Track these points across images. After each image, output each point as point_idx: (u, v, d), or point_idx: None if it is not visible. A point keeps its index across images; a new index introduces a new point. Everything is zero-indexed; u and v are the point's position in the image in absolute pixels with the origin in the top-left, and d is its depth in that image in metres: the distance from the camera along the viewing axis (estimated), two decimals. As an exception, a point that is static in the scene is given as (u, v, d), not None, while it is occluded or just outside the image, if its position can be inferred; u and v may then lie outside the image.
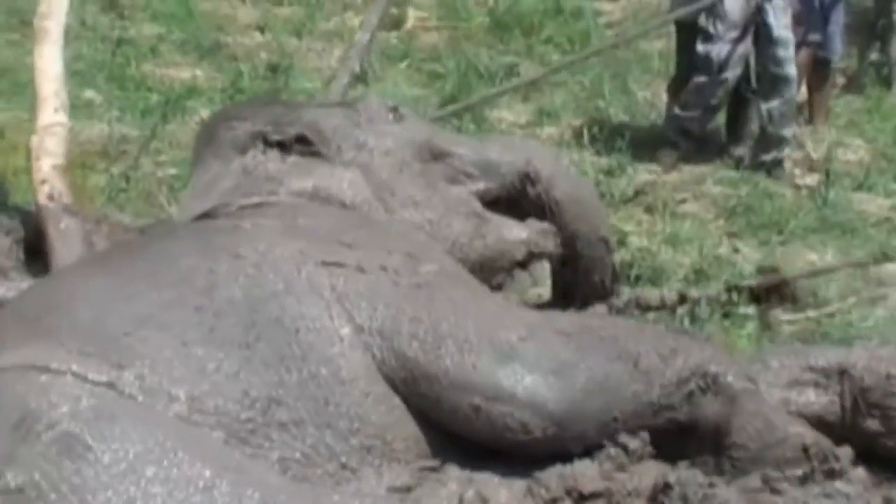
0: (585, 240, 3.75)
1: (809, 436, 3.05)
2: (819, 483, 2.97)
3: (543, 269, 3.80)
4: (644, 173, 6.97)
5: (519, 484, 2.86)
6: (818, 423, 3.13)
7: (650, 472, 2.91)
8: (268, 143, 3.43)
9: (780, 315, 4.67)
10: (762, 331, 4.57)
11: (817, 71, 8.06)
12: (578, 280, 3.83)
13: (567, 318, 3.16)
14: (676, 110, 7.37)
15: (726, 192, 6.81)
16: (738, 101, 7.43)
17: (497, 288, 3.50)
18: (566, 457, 2.90)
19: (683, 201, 6.63)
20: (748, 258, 5.76)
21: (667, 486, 2.87)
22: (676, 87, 7.52)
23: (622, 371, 2.96)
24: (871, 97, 8.56)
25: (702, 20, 7.14)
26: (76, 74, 6.32)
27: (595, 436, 2.92)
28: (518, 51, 8.71)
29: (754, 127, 7.40)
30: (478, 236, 3.50)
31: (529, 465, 2.88)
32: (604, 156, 7.03)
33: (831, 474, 3.01)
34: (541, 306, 3.82)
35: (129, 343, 2.71)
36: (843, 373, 3.20)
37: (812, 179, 7.14)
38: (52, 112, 4.14)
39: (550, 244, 3.65)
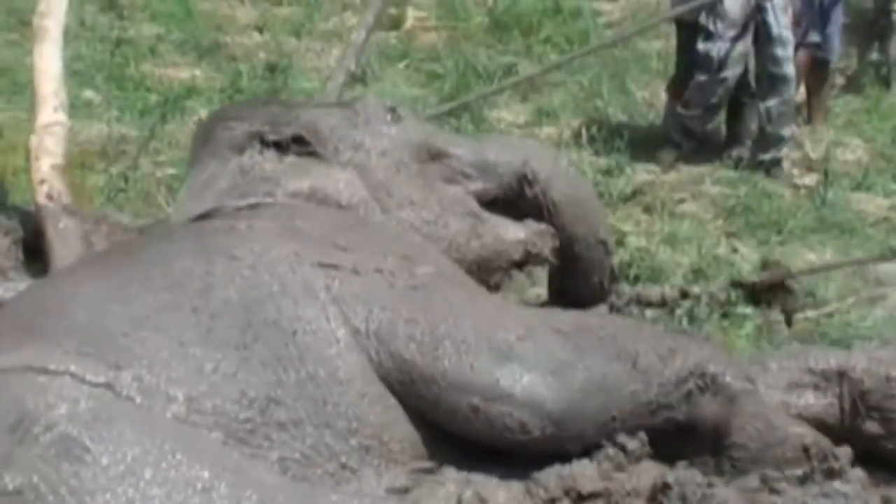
0: (584, 241, 3.74)
1: (810, 436, 3.05)
2: (818, 483, 2.97)
3: (542, 269, 3.79)
4: (643, 173, 6.96)
5: (517, 484, 2.86)
6: (817, 425, 3.13)
7: (649, 472, 2.92)
8: (265, 143, 3.43)
9: (780, 316, 4.66)
10: (761, 331, 4.56)
11: (816, 71, 8.04)
12: (576, 282, 3.82)
13: (565, 318, 3.15)
14: (679, 109, 7.37)
15: (725, 191, 6.80)
16: (737, 101, 7.43)
17: (494, 288, 3.49)
18: (565, 457, 2.90)
19: (682, 201, 6.62)
20: (747, 258, 5.75)
21: (665, 486, 2.87)
22: (676, 87, 7.52)
23: (620, 371, 2.95)
24: (869, 97, 8.55)
25: (702, 18, 7.14)
26: (75, 74, 6.31)
27: (593, 436, 2.92)
28: (517, 51, 8.69)
29: (753, 127, 7.40)
30: (475, 236, 3.49)
31: (528, 466, 2.88)
32: (602, 156, 7.01)
33: (830, 474, 3.01)
34: (539, 307, 3.82)
35: (127, 344, 2.71)
36: (842, 375, 3.20)
37: (811, 179, 7.12)
38: (51, 112, 4.13)
39: (548, 245, 3.64)
